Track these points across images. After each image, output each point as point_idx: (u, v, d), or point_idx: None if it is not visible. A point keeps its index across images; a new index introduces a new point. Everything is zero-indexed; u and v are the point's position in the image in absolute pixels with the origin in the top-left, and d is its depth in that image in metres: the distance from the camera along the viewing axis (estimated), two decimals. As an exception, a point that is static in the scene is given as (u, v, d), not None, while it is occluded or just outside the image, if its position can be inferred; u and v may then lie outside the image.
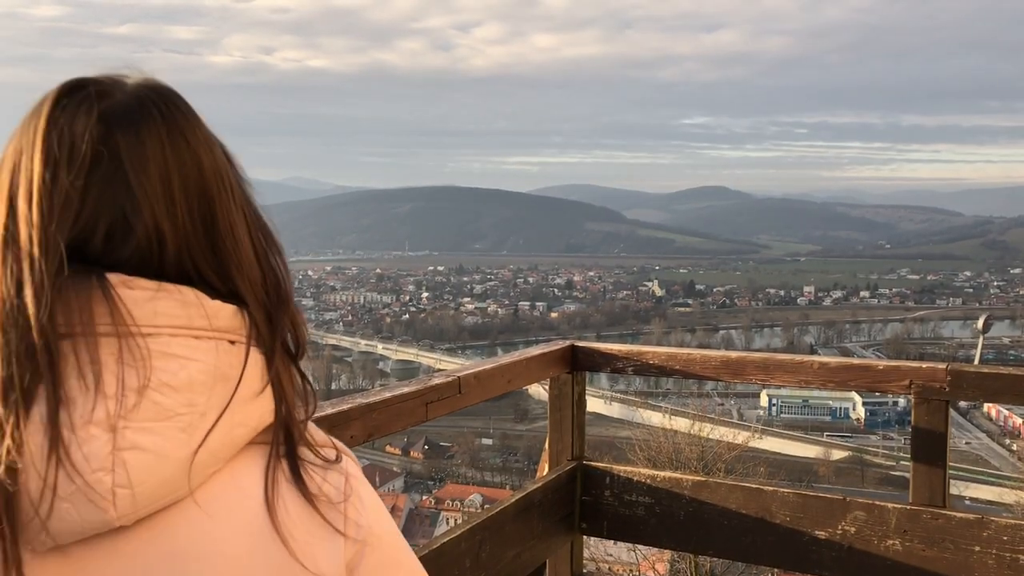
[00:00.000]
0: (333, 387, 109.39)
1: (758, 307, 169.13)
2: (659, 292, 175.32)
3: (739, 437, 22.41)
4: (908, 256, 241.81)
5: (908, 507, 3.22)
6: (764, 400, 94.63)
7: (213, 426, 0.85)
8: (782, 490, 3.50)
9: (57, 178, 0.85)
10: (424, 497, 71.19)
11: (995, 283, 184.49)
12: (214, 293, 0.90)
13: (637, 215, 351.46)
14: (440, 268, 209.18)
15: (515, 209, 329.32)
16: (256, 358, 0.91)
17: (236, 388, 0.87)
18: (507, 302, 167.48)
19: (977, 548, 3.08)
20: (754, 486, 3.54)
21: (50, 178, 0.85)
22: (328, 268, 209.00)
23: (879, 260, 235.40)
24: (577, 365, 3.85)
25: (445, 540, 3.00)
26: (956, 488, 55.73)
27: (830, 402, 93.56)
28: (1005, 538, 3.05)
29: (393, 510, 65.39)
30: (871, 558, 3.24)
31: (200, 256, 0.90)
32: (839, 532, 3.27)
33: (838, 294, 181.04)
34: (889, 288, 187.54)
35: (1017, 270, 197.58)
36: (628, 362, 3.77)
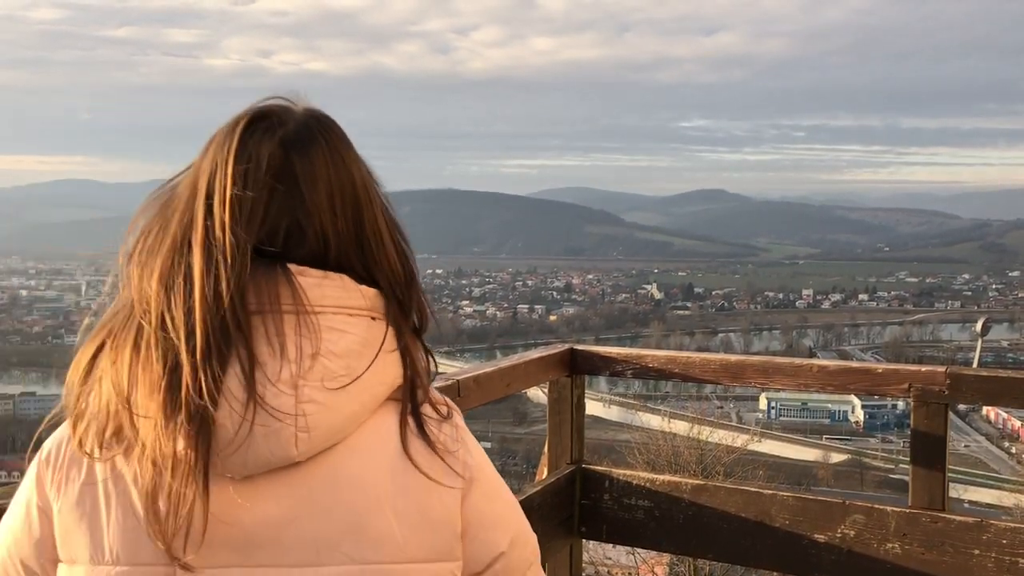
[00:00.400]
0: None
1: (757, 310, 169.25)
2: (658, 295, 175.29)
3: (738, 440, 22.39)
4: (907, 259, 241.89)
5: (907, 510, 3.22)
6: (763, 403, 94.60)
7: (362, 385, 1.08)
8: (781, 493, 3.50)
9: (246, 191, 1.07)
10: (423, 500, 71.21)
11: (994, 286, 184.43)
12: (359, 280, 1.13)
13: (636, 218, 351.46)
14: (439, 271, 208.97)
15: (514, 212, 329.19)
16: (391, 331, 1.15)
17: (377, 354, 1.11)
18: (506, 305, 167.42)
19: (976, 551, 3.08)
20: (753, 489, 3.53)
21: (240, 190, 1.07)
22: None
23: (878, 263, 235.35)
24: (576, 368, 3.85)
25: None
26: (955, 491, 55.66)
27: (829, 405, 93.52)
28: (1004, 541, 3.05)
29: (392, 513, 65.72)
30: (870, 561, 3.24)
31: (352, 252, 1.14)
32: (838, 535, 3.27)
33: (837, 297, 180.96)
34: (888, 291, 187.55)
35: (1016, 273, 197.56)
36: (627, 365, 3.77)
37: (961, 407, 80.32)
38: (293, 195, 1.11)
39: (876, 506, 3.28)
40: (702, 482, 3.63)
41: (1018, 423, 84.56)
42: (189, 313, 1.01)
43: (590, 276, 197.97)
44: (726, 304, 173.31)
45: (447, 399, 1.27)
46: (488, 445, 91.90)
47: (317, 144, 1.15)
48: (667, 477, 3.67)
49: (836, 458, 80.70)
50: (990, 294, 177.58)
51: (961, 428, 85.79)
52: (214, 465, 1.00)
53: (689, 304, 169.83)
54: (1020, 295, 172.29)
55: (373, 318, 1.13)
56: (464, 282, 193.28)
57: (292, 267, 1.08)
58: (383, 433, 1.12)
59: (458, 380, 3.07)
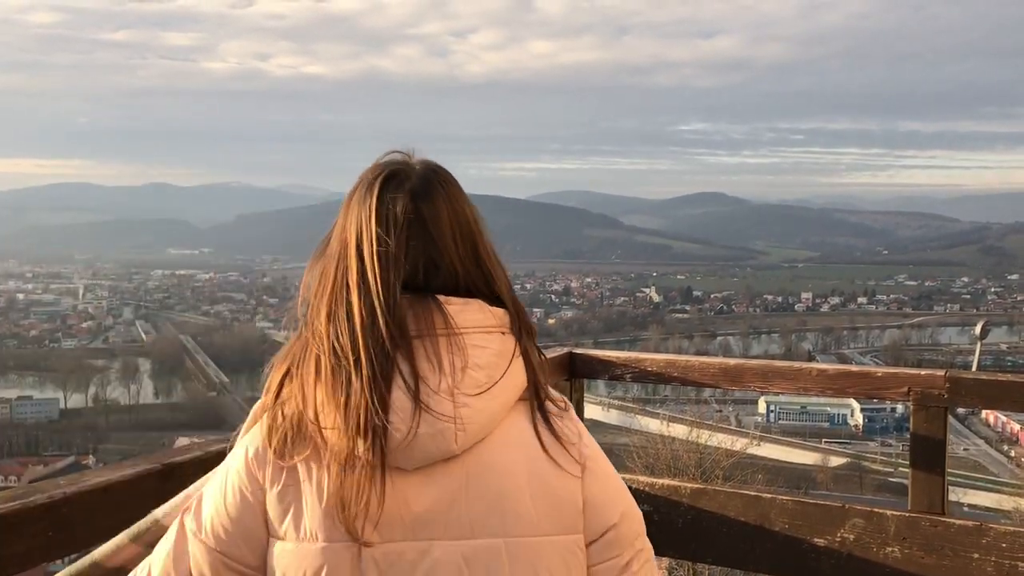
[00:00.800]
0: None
1: (756, 313, 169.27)
2: (656, 298, 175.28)
3: (737, 444, 22.46)
4: (906, 262, 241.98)
5: (907, 514, 3.21)
6: (762, 406, 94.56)
7: (500, 389, 1.33)
8: (780, 497, 3.49)
9: (387, 240, 1.34)
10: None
11: (993, 289, 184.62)
12: (488, 301, 1.40)
13: (634, 221, 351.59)
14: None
15: (512, 215, 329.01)
16: (516, 341, 1.39)
17: (510, 363, 1.36)
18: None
19: (976, 555, 3.08)
20: (752, 493, 3.53)
21: (383, 240, 1.35)
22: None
23: (877, 266, 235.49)
24: (575, 372, 3.84)
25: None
26: (955, 495, 55.69)
27: (828, 408, 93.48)
28: (1004, 545, 3.05)
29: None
30: (870, 565, 3.23)
31: (476, 278, 1.41)
32: (838, 539, 3.26)
33: (836, 300, 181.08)
34: (887, 294, 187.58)
35: (1015, 276, 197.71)
36: (626, 369, 3.76)
37: (960, 410, 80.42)
38: (425, 238, 1.38)
39: (875, 510, 3.28)
40: (701, 486, 3.62)
41: (1017, 426, 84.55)
42: (354, 343, 1.29)
43: (589, 279, 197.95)
44: (725, 307, 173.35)
45: (562, 396, 1.46)
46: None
47: (438, 192, 1.42)
48: (666, 481, 3.65)
49: (835, 462, 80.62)
50: (989, 297, 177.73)
51: (960, 431, 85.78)
52: (388, 462, 1.27)
53: (688, 307, 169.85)
54: (1019, 298, 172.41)
55: (503, 332, 1.38)
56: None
57: (440, 297, 1.35)
58: (518, 428, 1.37)
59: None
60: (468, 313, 1.36)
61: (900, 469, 65.58)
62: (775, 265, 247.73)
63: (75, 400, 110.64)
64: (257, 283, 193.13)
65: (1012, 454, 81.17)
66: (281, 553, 1.31)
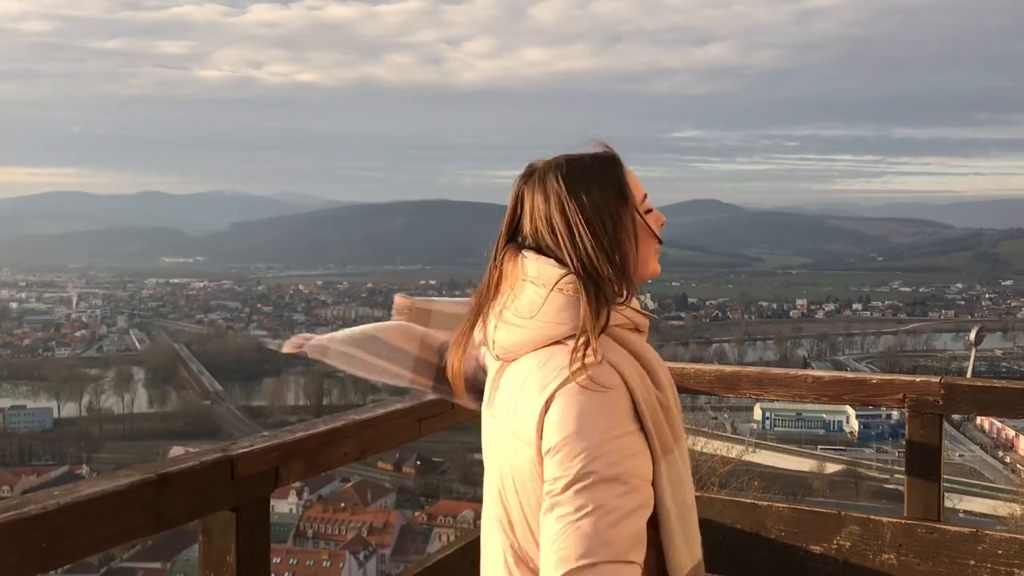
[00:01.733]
0: (325, 403, 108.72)
1: (751, 320, 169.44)
2: (652, 305, 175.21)
3: (733, 451, 22.37)
4: (900, 268, 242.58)
5: (903, 521, 3.21)
6: (757, 413, 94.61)
7: (531, 326, 1.67)
8: (776, 505, 3.49)
9: (513, 213, 1.81)
10: (416, 513, 70.79)
11: (987, 295, 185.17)
12: (558, 261, 1.68)
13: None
14: (432, 282, 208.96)
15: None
16: (565, 299, 1.64)
17: (540, 309, 1.66)
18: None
19: (972, 562, 3.08)
20: (748, 501, 3.53)
21: (509, 214, 1.81)
22: (319, 283, 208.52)
23: (871, 272, 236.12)
24: (570, 380, 3.83)
25: (439, 557, 2.98)
26: (951, 501, 55.67)
27: (824, 415, 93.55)
28: (1000, 552, 3.05)
29: (385, 526, 65.22)
30: (866, 573, 3.23)
31: (552, 243, 1.69)
32: (834, 547, 3.27)
33: (831, 307, 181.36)
34: (881, 301, 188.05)
35: (1008, 282, 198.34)
36: (622, 377, 3.75)
37: (956, 416, 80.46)
38: (522, 210, 1.77)
39: (871, 517, 3.28)
40: (697, 494, 3.62)
41: (1012, 433, 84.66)
42: (487, 285, 1.78)
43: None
44: (720, 314, 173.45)
45: (601, 371, 1.58)
46: (480, 456, 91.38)
47: (547, 178, 1.72)
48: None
49: (831, 468, 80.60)
50: (983, 303, 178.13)
51: (956, 438, 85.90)
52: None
53: (683, 314, 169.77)
54: (1013, 304, 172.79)
55: (558, 287, 1.65)
56: (457, 293, 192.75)
57: (524, 251, 1.71)
58: (539, 356, 1.64)
59: (452, 392, 3.07)
60: (529, 264, 1.70)
61: (896, 476, 65.66)
62: (770, 272, 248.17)
63: (69, 409, 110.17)
64: (251, 291, 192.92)
65: (1007, 460, 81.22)
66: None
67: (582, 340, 1.59)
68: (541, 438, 1.57)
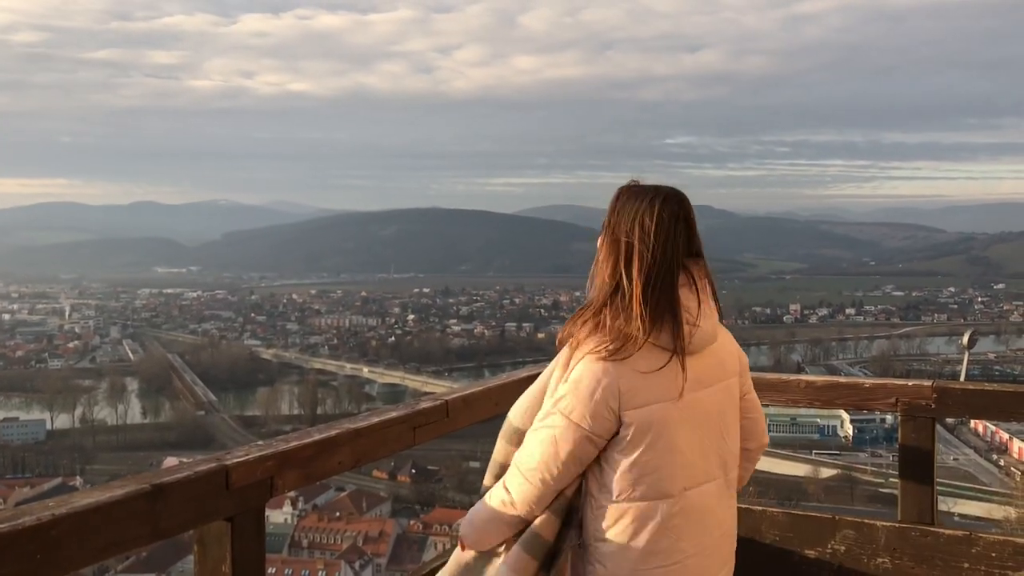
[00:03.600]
0: (319, 412, 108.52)
1: (744, 325, 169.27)
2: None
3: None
4: (893, 273, 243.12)
5: (897, 525, 3.22)
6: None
7: (714, 314, 2.21)
8: (771, 510, 3.50)
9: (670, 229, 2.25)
10: (412, 522, 70.62)
11: (979, 299, 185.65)
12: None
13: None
14: (426, 290, 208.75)
15: (500, 230, 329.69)
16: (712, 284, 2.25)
17: (709, 300, 2.21)
18: (493, 323, 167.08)
19: (966, 565, 3.08)
20: (743, 506, 3.52)
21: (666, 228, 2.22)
22: (313, 292, 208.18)
23: (864, 277, 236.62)
24: (565, 387, 3.83)
25: (434, 566, 2.98)
26: (945, 504, 55.79)
27: (818, 420, 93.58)
28: (994, 554, 3.06)
29: (380, 535, 65.01)
30: (861, 577, 3.23)
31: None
32: (829, 551, 3.27)
33: (824, 311, 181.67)
34: (874, 305, 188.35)
35: (1001, 285, 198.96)
36: (615, 383, 3.75)
37: (950, 420, 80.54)
38: (692, 227, 2.24)
39: (866, 521, 3.28)
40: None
41: (1006, 436, 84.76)
42: (657, 292, 2.14)
43: (577, 293, 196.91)
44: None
45: None
46: (477, 465, 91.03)
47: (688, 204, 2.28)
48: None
49: (826, 473, 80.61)
50: (976, 307, 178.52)
51: (950, 441, 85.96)
52: (690, 352, 2.15)
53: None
54: (1006, 308, 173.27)
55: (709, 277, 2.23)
56: (451, 301, 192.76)
57: (697, 259, 2.21)
58: (724, 334, 2.29)
59: (446, 400, 3.06)
60: (703, 268, 2.21)
61: (891, 480, 65.65)
62: (763, 277, 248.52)
63: (62, 421, 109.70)
64: (245, 301, 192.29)
65: (1001, 463, 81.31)
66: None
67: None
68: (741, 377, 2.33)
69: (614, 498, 2.11)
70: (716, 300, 2.23)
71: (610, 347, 2.10)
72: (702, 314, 2.14)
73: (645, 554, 2.08)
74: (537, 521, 2.17)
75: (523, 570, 2.15)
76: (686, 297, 2.13)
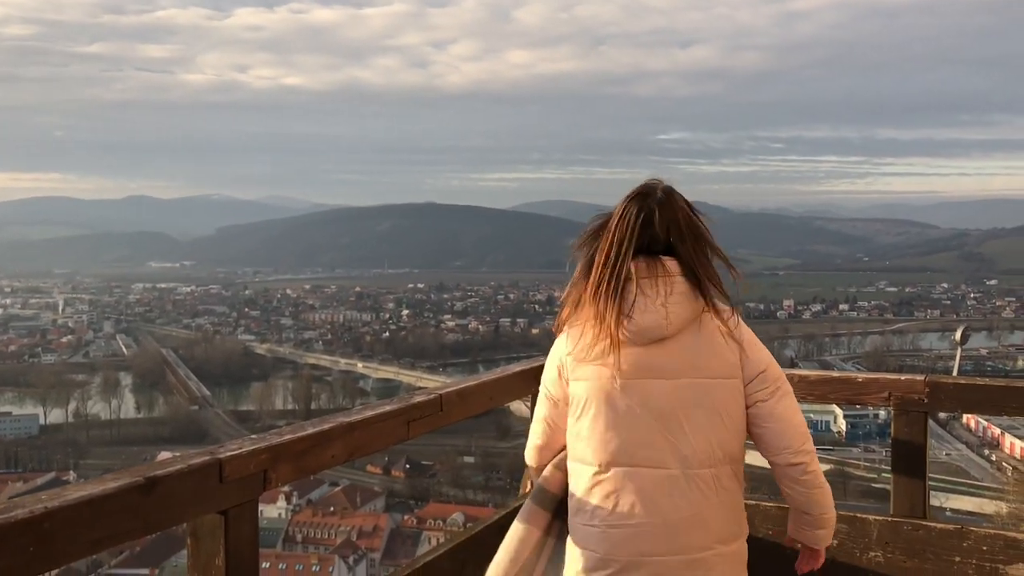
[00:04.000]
0: (313, 407, 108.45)
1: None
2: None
3: (721, 451, 22.41)
4: (886, 269, 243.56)
5: (889, 519, 3.24)
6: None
7: (684, 305, 2.31)
8: (764, 503, 3.51)
9: (630, 224, 2.38)
10: (406, 516, 70.71)
11: (972, 295, 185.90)
12: (680, 260, 2.35)
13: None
14: (420, 285, 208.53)
15: (494, 225, 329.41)
16: (692, 285, 2.33)
17: (682, 292, 2.32)
18: (488, 319, 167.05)
19: (958, 558, 3.10)
20: (736, 500, 3.54)
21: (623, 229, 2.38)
22: (307, 287, 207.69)
23: (857, 273, 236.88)
24: (559, 381, 3.84)
25: (428, 559, 2.99)
26: (937, 499, 55.96)
27: (811, 415, 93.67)
28: (985, 548, 3.07)
29: (374, 530, 65.03)
30: (853, 570, 3.25)
31: (680, 248, 2.35)
32: (821, 545, 3.28)
33: (817, 307, 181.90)
34: (868, 301, 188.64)
35: (993, 282, 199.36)
36: (609, 378, 3.76)
37: (942, 415, 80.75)
38: (651, 225, 2.37)
39: (859, 515, 3.30)
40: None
41: (998, 431, 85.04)
42: (598, 283, 2.35)
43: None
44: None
45: (731, 307, 2.39)
46: (471, 459, 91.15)
47: (674, 197, 2.40)
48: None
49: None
50: (969, 303, 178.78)
51: (943, 437, 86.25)
52: (632, 342, 2.32)
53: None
54: (998, 304, 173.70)
55: (685, 278, 2.33)
56: (445, 296, 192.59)
57: (662, 257, 2.34)
58: (702, 322, 2.33)
59: (440, 394, 3.07)
60: (668, 264, 2.33)
61: (883, 475, 65.88)
62: (756, 273, 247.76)
63: (55, 415, 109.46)
64: (239, 296, 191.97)
65: (993, 458, 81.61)
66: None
67: (721, 305, 2.39)
68: (742, 370, 2.35)
69: (568, 454, 2.45)
70: (704, 300, 2.34)
71: (564, 324, 2.47)
72: (636, 308, 2.28)
73: (575, 508, 2.37)
74: (543, 474, 2.53)
75: (534, 520, 2.45)
76: (629, 291, 2.30)
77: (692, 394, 2.30)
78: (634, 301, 2.29)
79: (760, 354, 2.41)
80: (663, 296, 2.29)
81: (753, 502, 3.49)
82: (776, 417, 2.39)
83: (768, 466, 2.56)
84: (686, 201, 2.43)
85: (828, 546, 3.30)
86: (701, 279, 2.35)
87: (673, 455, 2.28)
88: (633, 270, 2.32)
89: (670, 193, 2.41)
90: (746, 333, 2.41)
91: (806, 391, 3.47)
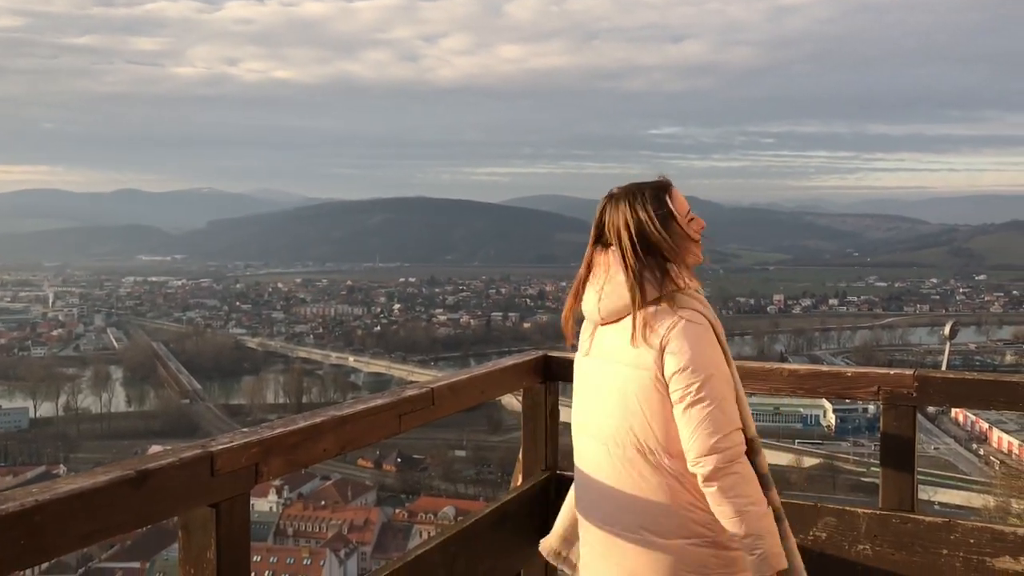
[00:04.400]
0: (304, 401, 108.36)
1: (729, 315, 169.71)
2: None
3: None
4: (875, 264, 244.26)
5: (878, 512, 3.26)
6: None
7: (620, 296, 2.47)
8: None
9: (598, 223, 2.60)
10: (397, 510, 70.69)
11: (961, 290, 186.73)
12: (633, 254, 2.47)
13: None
14: (411, 279, 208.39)
15: (486, 220, 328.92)
16: (632, 277, 2.45)
17: (626, 286, 2.45)
18: (479, 313, 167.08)
19: (945, 551, 3.12)
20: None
21: (594, 225, 2.61)
22: (298, 280, 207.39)
23: (847, 268, 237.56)
24: (550, 375, 3.86)
25: (418, 553, 2.99)
26: (925, 493, 56.27)
27: (801, 409, 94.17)
28: (972, 541, 3.10)
29: (366, 524, 65.02)
30: (842, 563, 3.27)
31: (630, 244, 2.47)
32: (811, 538, 3.30)
33: (807, 302, 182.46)
34: (857, 296, 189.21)
35: (982, 277, 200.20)
36: (600, 372, 3.77)
37: (930, 410, 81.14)
38: (608, 220, 2.55)
39: (847, 508, 3.32)
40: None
41: (986, 425, 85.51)
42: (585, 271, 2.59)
43: (563, 283, 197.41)
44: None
45: (681, 310, 2.43)
46: (462, 453, 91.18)
47: (625, 198, 2.53)
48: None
49: (809, 462, 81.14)
50: (958, 298, 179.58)
51: (931, 431, 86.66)
52: (580, 323, 2.67)
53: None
54: (987, 299, 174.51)
55: (629, 270, 2.45)
56: (437, 290, 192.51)
57: (610, 249, 2.51)
58: (634, 315, 2.44)
59: (432, 388, 3.07)
60: (612, 257, 2.49)
61: (872, 469, 66.15)
62: (747, 268, 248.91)
63: (45, 409, 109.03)
64: (230, 289, 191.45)
65: (981, 452, 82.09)
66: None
67: (676, 301, 2.45)
68: (663, 362, 2.38)
69: None
70: (638, 291, 2.44)
71: (568, 311, 2.69)
72: (583, 293, 2.58)
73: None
74: None
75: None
76: (584, 277, 2.58)
77: (612, 377, 2.48)
78: (582, 287, 2.59)
79: (684, 355, 2.38)
80: (599, 285, 2.51)
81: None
82: (684, 421, 2.37)
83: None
84: (650, 204, 2.53)
85: (818, 538, 3.33)
86: (634, 277, 2.46)
87: (613, 438, 2.47)
88: (592, 260, 2.57)
89: (626, 196, 2.54)
90: (684, 333, 2.41)
91: (795, 385, 3.48)
